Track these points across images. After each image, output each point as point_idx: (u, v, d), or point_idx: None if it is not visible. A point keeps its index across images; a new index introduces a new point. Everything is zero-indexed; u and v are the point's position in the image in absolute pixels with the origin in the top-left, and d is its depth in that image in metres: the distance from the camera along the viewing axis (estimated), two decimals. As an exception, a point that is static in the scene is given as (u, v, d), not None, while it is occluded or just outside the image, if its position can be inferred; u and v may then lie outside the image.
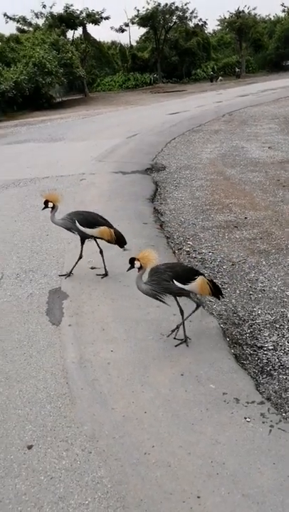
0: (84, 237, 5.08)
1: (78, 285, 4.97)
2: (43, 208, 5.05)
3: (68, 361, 3.69)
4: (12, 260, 5.79)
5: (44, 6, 39.08)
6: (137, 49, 49.30)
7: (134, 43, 51.05)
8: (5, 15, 40.57)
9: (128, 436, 2.89)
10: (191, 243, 6.02)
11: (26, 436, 2.97)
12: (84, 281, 5.04)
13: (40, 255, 5.86)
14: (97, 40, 46.16)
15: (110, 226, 5.08)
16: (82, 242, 5.15)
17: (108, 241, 5.06)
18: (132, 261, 3.69)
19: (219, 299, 4.04)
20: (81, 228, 4.95)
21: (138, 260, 3.66)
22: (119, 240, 5.11)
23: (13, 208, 8.02)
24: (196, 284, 3.67)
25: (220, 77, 46.74)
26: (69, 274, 5.22)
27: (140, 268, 3.67)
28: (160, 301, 3.74)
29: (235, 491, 2.50)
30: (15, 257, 5.88)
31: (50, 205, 4.98)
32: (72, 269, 5.24)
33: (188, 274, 3.71)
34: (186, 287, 3.65)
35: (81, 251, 5.19)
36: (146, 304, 4.43)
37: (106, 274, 5.20)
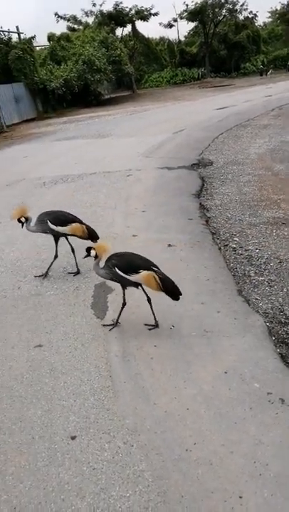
0: (57, 236, 5.16)
1: (123, 280, 4.99)
2: (22, 226, 5.10)
3: (112, 355, 3.73)
4: (59, 254, 5.88)
5: (94, 5, 39.46)
6: (185, 44, 48.92)
7: (182, 38, 50.70)
8: (56, 14, 41.29)
9: (170, 432, 2.88)
10: (237, 239, 5.92)
11: (70, 427, 3.02)
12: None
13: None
14: (146, 36, 46.14)
15: (81, 222, 5.13)
16: (56, 242, 5.23)
17: (80, 237, 5.10)
18: (88, 250, 4.08)
19: (176, 299, 3.93)
20: (53, 227, 5.02)
21: (94, 249, 4.03)
22: (92, 235, 5.13)
23: (61, 204, 8.13)
24: (140, 277, 3.82)
25: (270, 71, 45.67)
26: (45, 275, 5.31)
27: (96, 257, 4.03)
28: (117, 282, 4.04)
29: (278, 493, 2.45)
30: (63, 251, 5.97)
31: (23, 219, 5.05)
32: (48, 269, 5.35)
33: (133, 266, 3.86)
34: (130, 277, 3.85)
35: (56, 251, 5.28)
36: (191, 300, 4.41)
37: (78, 273, 5.31)
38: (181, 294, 3.93)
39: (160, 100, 29.06)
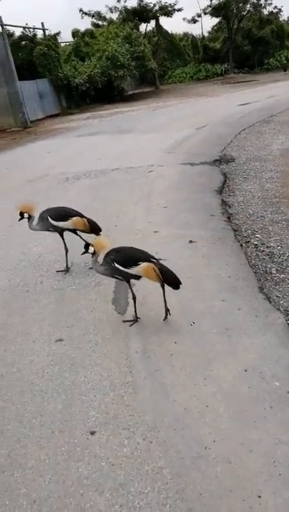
0: (60, 232, 5.18)
1: (144, 276, 4.99)
2: (19, 219, 5.12)
3: (132, 350, 3.73)
4: (81, 249, 5.90)
5: (118, 1, 39.42)
6: (208, 39, 48.49)
7: (206, 34, 50.26)
8: (80, 10, 41.39)
9: (189, 429, 2.87)
10: (259, 236, 5.85)
11: (90, 422, 3.04)
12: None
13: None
14: (169, 32, 45.88)
15: (82, 216, 5.15)
16: (62, 237, 5.26)
17: (83, 230, 5.13)
18: (86, 246, 4.09)
19: (176, 289, 3.97)
20: (54, 223, 5.05)
21: (92, 246, 4.04)
22: (94, 228, 5.17)
23: (84, 199, 8.19)
24: (139, 269, 3.86)
25: (294, 66, 44.89)
26: (67, 270, 5.35)
27: (94, 253, 4.05)
28: (119, 279, 4.11)
29: (299, 493, 2.42)
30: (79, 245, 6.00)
31: (26, 215, 5.06)
32: (67, 264, 5.38)
33: (132, 259, 3.89)
34: (130, 271, 3.88)
35: (64, 245, 5.31)
36: (211, 297, 4.38)
37: (67, 270, 5.35)
38: (180, 283, 3.97)
39: (183, 96, 28.89)
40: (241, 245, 5.60)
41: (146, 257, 3.93)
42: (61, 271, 5.37)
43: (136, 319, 4.15)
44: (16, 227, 7.14)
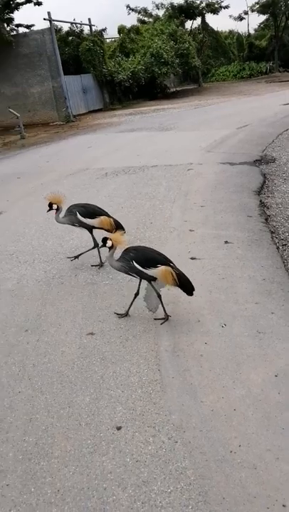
0: (88, 228, 5.23)
1: (177, 274, 4.97)
2: (48, 211, 5.24)
3: (162, 349, 3.73)
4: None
5: (166, -3, 39.26)
6: (254, 37, 47.67)
7: (252, 31, 49.44)
8: (127, 6, 41.48)
9: (215, 432, 2.85)
10: (297, 240, 5.73)
11: (116, 417, 3.06)
12: (183, 271, 5.01)
13: (142, 242, 5.95)
14: (215, 29, 45.41)
15: (108, 216, 5.19)
16: (91, 233, 5.32)
17: (108, 230, 5.10)
18: (104, 240, 4.10)
19: (190, 295, 4.06)
20: (82, 219, 5.11)
21: (110, 240, 4.06)
22: (119, 229, 5.08)
23: (121, 195, 8.24)
24: (157, 271, 3.91)
25: None
26: (101, 265, 5.41)
27: (111, 247, 4.07)
28: (133, 276, 4.13)
29: None
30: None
31: (55, 207, 5.17)
32: (100, 258, 5.44)
33: (151, 261, 3.94)
34: (147, 271, 3.94)
35: (94, 240, 5.35)
36: (245, 300, 4.33)
37: (102, 265, 5.41)
38: (194, 290, 4.04)
39: (225, 94, 28.55)
40: (278, 248, 5.50)
41: (165, 261, 3.99)
42: (96, 265, 5.42)
43: (166, 318, 4.15)
44: (54, 220, 7.25)
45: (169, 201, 7.55)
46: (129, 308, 4.30)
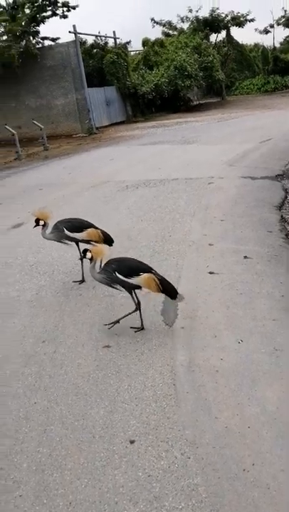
0: (76, 242, 5.28)
1: (195, 288, 4.98)
2: (34, 226, 5.28)
3: (177, 363, 3.73)
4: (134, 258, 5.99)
5: (190, 11, 39.60)
6: (280, 51, 47.60)
7: (277, 45, 49.40)
8: (152, 20, 41.92)
9: (228, 449, 2.83)
10: (317, 256, 5.69)
11: (130, 430, 3.07)
12: (201, 286, 5.03)
13: (161, 255, 5.99)
14: (240, 42, 45.54)
15: (96, 227, 5.23)
16: (78, 247, 5.32)
17: (97, 242, 5.11)
18: (84, 252, 4.23)
19: (173, 299, 4.22)
20: (70, 234, 5.15)
21: (90, 252, 4.17)
22: (108, 240, 5.22)
23: (141, 208, 8.30)
24: (140, 279, 3.99)
25: None
26: (82, 281, 5.47)
27: (91, 259, 4.16)
28: (115, 289, 4.22)
29: None
30: (137, 255, 6.06)
31: (41, 222, 5.20)
32: (82, 274, 5.48)
33: (133, 269, 4.03)
34: (130, 280, 4.01)
35: (81, 255, 5.31)
36: (263, 316, 4.31)
37: (83, 281, 5.44)
38: (177, 293, 4.20)
39: (249, 108, 28.55)
40: (298, 264, 5.47)
41: (147, 268, 4.09)
42: (77, 281, 5.49)
43: (142, 327, 4.28)
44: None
45: (189, 215, 7.57)
46: (142, 320, 4.31)
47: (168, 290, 4.09)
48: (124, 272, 4.03)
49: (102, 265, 4.18)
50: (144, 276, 4.00)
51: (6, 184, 12.76)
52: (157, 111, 31.07)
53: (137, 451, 2.88)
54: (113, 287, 4.21)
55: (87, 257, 4.21)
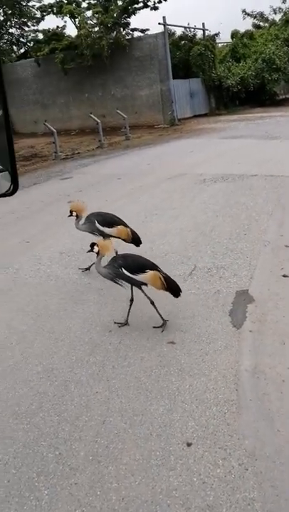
0: (104, 237, 5.17)
1: (267, 291, 4.80)
2: (68, 216, 5.49)
3: (242, 368, 3.60)
4: (206, 254, 5.89)
5: (284, 1, 38.10)
6: None
7: None
8: (243, 11, 40.79)
9: (289, 465, 2.69)
10: None
11: (188, 432, 3.00)
12: (273, 289, 4.84)
13: (234, 253, 5.83)
14: None
15: (126, 226, 5.33)
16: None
17: (125, 240, 5.24)
18: (92, 245, 4.28)
19: (177, 297, 4.25)
20: (101, 228, 5.18)
21: (97, 246, 4.22)
22: (135, 240, 5.27)
23: (217, 203, 8.14)
24: (146, 276, 4.05)
25: None
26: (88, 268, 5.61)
27: (98, 254, 4.22)
28: (118, 284, 4.26)
29: None
30: (209, 251, 5.97)
31: (74, 214, 5.32)
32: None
33: (139, 266, 4.08)
34: (136, 277, 4.06)
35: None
36: None
37: (88, 269, 5.65)
38: (181, 292, 4.25)
39: None
40: None
41: (153, 266, 4.14)
42: (82, 268, 5.68)
43: (126, 323, 4.35)
44: (147, 223, 7.36)
45: (266, 213, 7.31)
46: (128, 315, 4.36)
47: (172, 288, 4.17)
48: (130, 269, 4.08)
49: (109, 260, 4.28)
50: (150, 273, 4.06)
51: (87, 172, 13.05)
52: (241, 104, 30.29)
53: (194, 455, 2.81)
54: (117, 283, 4.26)
55: (94, 250, 4.26)
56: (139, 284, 4.19)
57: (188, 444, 2.90)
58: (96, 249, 4.27)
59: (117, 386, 3.54)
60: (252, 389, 3.36)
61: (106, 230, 5.32)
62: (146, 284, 4.16)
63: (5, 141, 1.49)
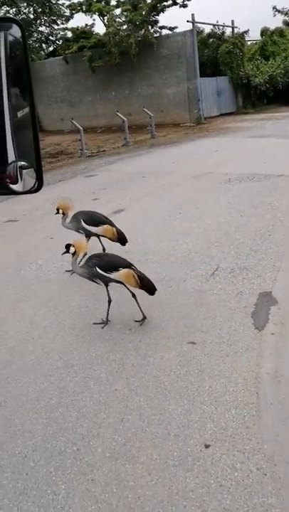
0: (88, 236, 5.26)
1: (290, 294, 4.73)
2: (55, 213, 5.47)
3: (263, 371, 3.56)
4: (230, 254, 5.84)
5: (316, -2, 37.48)
6: None
7: None
8: (274, 8, 40.23)
9: (309, 472, 2.64)
10: None
11: (206, 434, 2.98)
12: (297, 292, 4.77)
13: (258, 254, 5.76)
14: None
15: (113, 225, 5.35)
16: (87, 240, 5.20)
17: (110, 239, 5.26)
18: (67, 246, 4.32)
19: (152, 295, 4.31)
20: (86, 227, 5.19)
21: (73, 246, 4.27)
22: (121, 239, 5.26)
23: (242, 203, 8.06)
24: (120, 274, 4.14)
25: None
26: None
27: (74, 254, 4.27)
28: (96, 283, 4.32)
29: None
30: (233, 251, 5.92)
31: (61, 211, 5.38)
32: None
33: (113, 265, 4.17)
34: (109, 275, 4.15)
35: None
36: None
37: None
38: (156, 290, 4.29)
39: None
40: None
41: (127, 264, 4.21)
42: (69, 271, 5.47)
43: (106, 322, 4.39)
44: (171, 222, 7.34)
45: (292, 214, 7.20)
46: (108, 315, 4.40)
47: (147, 286, 4.24)
48: (104, 267, 4.17)
49: (85, 260, 4.35)
50: (124, 271, 4.14)
51: (112, 169, 13.08)
52: (269, 103, 29.90)
53: (211, 457, 2.78)
54: (94, 281, 4.32)
55: (70, 251, 4.31)
56: (113, 282, 4.26)
57: (206, 446, 2.88)
58: (72, 249, 4.33)
59: (136, 384, 3.54)
60: (272, 392, 3.31)
61: (92, 228, 5.36)
62: (121, 282, 4.24)
63: (31, 139, 1.50)
